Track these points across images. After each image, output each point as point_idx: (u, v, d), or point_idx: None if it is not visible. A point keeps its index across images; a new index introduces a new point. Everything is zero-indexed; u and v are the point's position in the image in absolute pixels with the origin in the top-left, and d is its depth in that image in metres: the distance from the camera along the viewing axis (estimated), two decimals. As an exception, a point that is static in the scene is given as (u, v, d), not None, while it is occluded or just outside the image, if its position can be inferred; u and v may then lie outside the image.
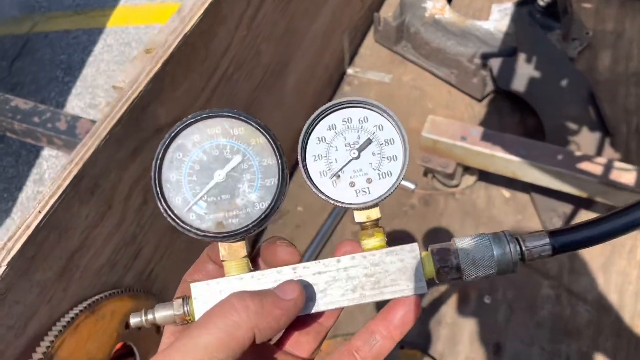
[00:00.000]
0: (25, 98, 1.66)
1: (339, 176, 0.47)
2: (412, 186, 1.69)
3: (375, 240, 0.47)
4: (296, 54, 1.60)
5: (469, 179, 1.70)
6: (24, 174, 2.21)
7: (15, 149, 2.26)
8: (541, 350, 1.44)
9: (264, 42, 1.39)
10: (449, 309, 1.51)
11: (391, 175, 0.47)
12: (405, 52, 1.99)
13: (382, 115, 0.48)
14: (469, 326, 1.49)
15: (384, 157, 0.47)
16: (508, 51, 1.83)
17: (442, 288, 1.54)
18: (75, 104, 2.41)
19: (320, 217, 1.68)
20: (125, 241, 1.06)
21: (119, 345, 1.01)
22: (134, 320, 0.45)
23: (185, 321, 0.45)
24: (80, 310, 0.93)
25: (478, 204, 1.69)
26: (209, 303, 0.43)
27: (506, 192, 1.71)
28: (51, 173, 2.19)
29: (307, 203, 1.72)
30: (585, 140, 1.69)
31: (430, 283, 0.46)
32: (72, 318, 0.91)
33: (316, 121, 0.48)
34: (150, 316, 0.45)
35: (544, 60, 1.82)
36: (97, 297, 0.98)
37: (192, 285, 0.45)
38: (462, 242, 0.46)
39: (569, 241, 0.45)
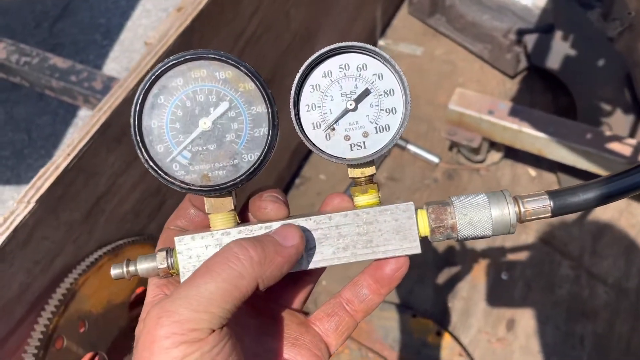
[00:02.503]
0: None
1: (333, 129, 0.44)
2: (436, 160, 1.68)
3: (368, 197, 0.45)
4: (326, 21, 1.60)
5: (495, 156, 1.69)
6: (60, 133, 2.29)
7: (53, 108, 2.34)
8: (556, 329, 1.43)
9: (294, 7, 1.39)
10: (465, 283, 1.52)
11: (389, 129, 0.44)
12: (439, 25, 1.96)
13: (383, 63, 0.44)
14: (483, 301, 1.49)
15: (383, 110, 0.44)
16: (544, 28, 1.79)
17: (460, 262, 1.55)
18: (112, 67, 2.47)
19: (343, 185, 1.69)
20: (149, 192, 1.10)
21: (139, 290, 1.05)
22: (114, 272, 0.43)
23: (169, 274, 0.43)
24: (105, 253, 0.97)
25: (503, 181, 1.68)
26: (194, 258, 0.42)
27: (532, 171, 1.69)
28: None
29: (329, 171, 1.74)
30: (618, 122, 1.64)
31: (424, 241, 0.45)
32: (96, 259, 0.96)
33: (311, 67, 0.44)
34: (132, 268, 0.43)
35: (581, 39, 1.77)
36: (121, 241, 1.02)
37: (176, 239, 0.43)
38: (460, 201, 0.44)
39: (568, 202, 0.45)
